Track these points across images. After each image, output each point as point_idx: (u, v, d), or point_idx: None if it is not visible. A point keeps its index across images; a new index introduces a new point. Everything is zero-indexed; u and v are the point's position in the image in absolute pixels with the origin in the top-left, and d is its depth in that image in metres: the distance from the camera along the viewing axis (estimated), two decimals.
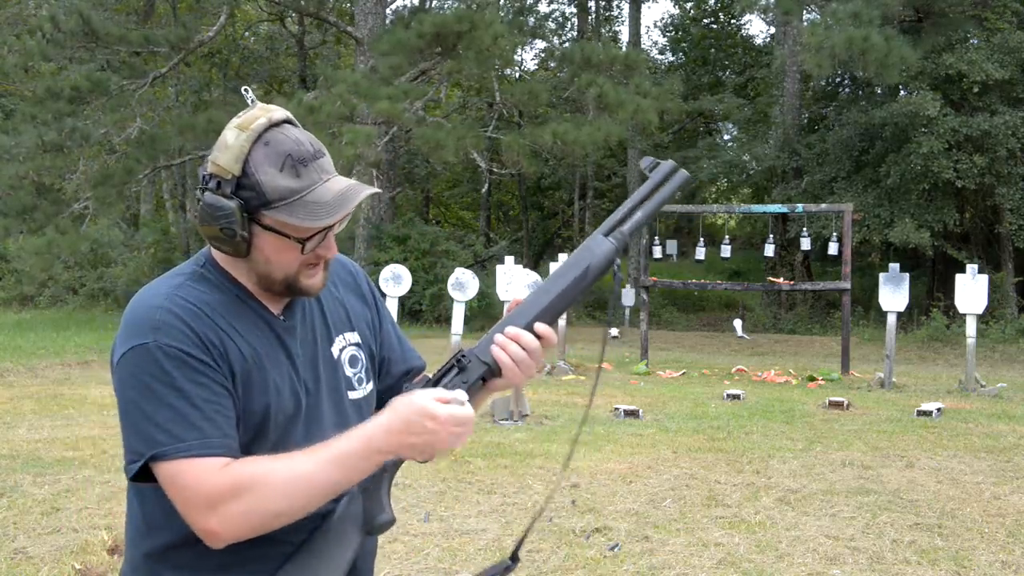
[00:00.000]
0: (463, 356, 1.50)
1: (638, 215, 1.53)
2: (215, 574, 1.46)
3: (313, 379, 1.54)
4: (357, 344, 1.63)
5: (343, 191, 1.42)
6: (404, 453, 1.40)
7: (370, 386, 1.64)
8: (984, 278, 10.51)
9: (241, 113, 1.44)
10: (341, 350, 1.60)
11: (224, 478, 1.36)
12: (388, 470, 1.47)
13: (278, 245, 1.43)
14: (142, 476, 1.39)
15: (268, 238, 1.43)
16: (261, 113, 1.42)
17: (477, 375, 1.50)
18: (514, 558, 1.54)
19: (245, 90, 1.50)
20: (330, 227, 1.45)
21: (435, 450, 1.39)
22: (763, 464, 6.50)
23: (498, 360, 1.49)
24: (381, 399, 1.70)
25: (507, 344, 1.49)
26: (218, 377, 1.40)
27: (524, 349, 1.49)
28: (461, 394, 1.42)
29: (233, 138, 1.40)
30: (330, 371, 1.57)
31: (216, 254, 1.51)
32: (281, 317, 1.53)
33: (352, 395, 1.60)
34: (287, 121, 1.44)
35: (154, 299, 1.43)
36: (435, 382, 1.51)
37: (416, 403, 1.38)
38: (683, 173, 1.55)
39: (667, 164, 1.56)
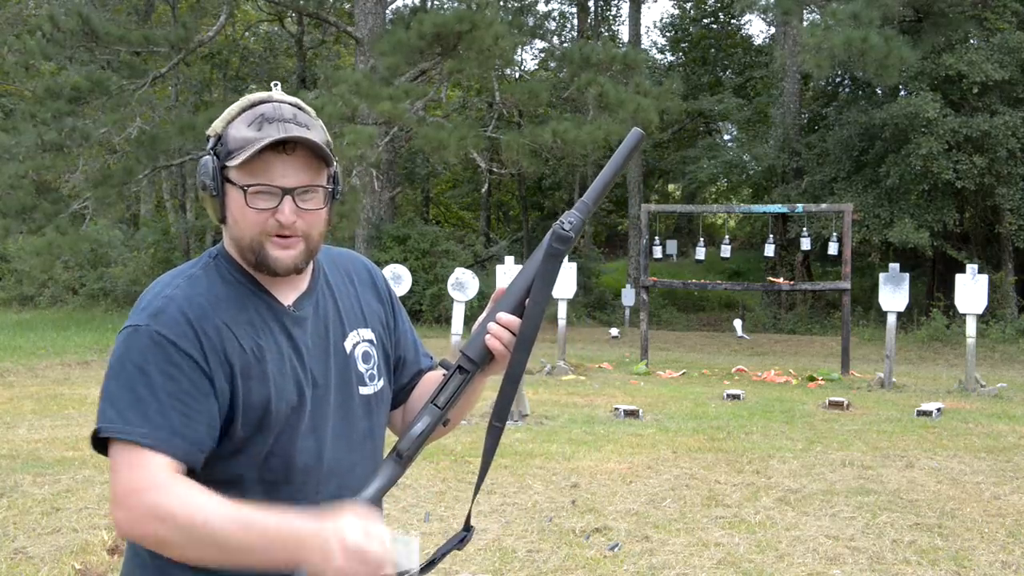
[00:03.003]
0: (463, 367, 1.51)
1: (596, 182, 1.55)
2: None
3: (323, 372, 1.53)
4: (371, 341, 1.63)
5: (280, 136, 1.41)
6: (301, 559, 1.32)
7: (382, 383, 1.64)
8: (984, 278, 10.50)
9: None
10: (354, 345, 1.60)
11: (154, 496, 1.32)
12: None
13: (236, 198, 1.44)
14: (102, 449, 1.42)
15: (232, 194, 1.45)
16: (271, 94, 1.49)
17: (471, 375, 1.52)
18: (467, 527, 1.56)
19: (275, 84, 1.53)
20: (289, 191, 1.42)
21: (326, 570, 1.31)
22: (763, 464, 6.50)
23: (493, 349, 1.50)
24: (395, 399, 1.71)
25: (501, 333, 1.50)
26: (196, 376, 1.40)
27: (515, 334, 1.50)
28: (387, 533, 1.36)
29: (234, 105, 1.48)
30: (341, 365, 1.57)
31: (225, 241, 1.53)
32: (292, 308, 1.53)
33: (363, 390, 1.60)
34: (294, 104, 1.47)
35: (164, 288, 1.47)
36: (439, 389, 1.51)
37: (340, 522, 1.33)
38: (635, 131, 1.57)
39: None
